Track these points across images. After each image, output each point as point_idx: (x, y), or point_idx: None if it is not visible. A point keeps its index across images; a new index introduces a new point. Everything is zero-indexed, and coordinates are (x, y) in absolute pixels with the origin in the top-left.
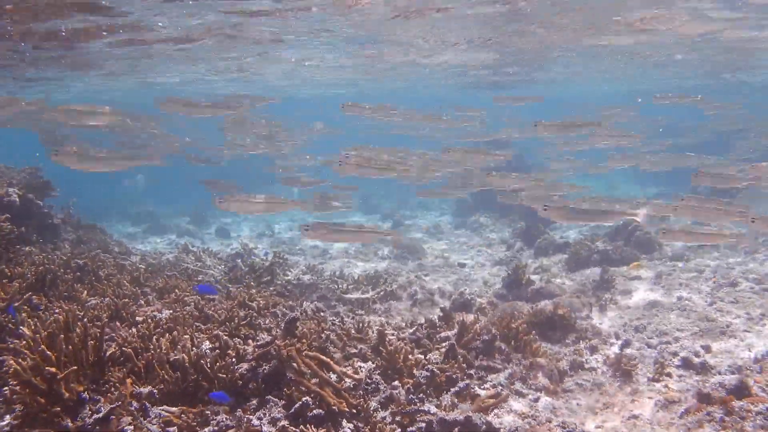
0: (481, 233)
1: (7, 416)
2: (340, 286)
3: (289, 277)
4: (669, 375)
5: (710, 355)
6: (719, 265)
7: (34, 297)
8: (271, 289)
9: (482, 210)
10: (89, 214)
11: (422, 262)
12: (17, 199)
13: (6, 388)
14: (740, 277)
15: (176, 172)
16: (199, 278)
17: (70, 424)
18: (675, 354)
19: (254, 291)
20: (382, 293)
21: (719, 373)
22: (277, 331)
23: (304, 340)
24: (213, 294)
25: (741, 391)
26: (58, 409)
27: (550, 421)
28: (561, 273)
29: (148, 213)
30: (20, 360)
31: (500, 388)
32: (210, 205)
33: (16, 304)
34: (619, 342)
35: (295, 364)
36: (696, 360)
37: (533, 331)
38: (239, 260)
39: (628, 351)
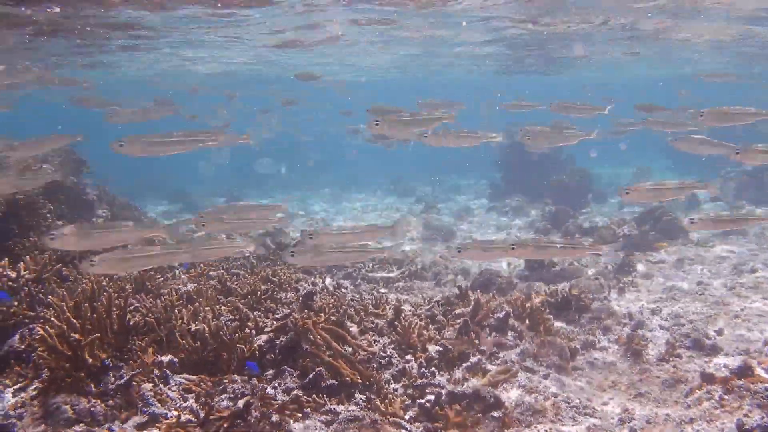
0: (512, 216)
1: (35, 381)
2: (366, 265)
3: None
4: (679, 356)
5: (722, 338)
6: (742, 251)
7: (63, 269)
8: (298, 266)
9: (514, 194)
10: (125, 191)
11: (450, 243)
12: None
13: (34, 354)
14: (760, 264)
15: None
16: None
17: (93, 388)
18: (686, 336)
19: (280, 267)
20: (406, 273)
21: (726, 355)
22: (296, 305)
23: (321, 314)
24: None
25: (744, 372)
26: (83, 374)
27: (556, 396)
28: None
29: (183, 192)
30: (47, 327)
31: (511, 364)
32: (245, 184)
33: (46, 275)
34: (633, 322)
35: (311, 336)
36: (707, 342)
37: (547, 311)
38: (267, 238)
39: (640, 332)
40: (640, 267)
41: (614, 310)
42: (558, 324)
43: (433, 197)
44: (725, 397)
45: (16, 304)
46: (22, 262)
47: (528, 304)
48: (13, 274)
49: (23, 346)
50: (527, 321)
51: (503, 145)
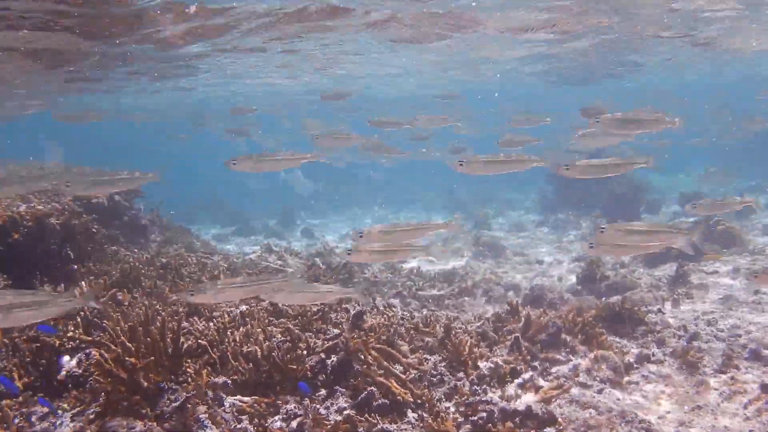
0: (563, 230)
1: (93, 405)
2: (416, 283)
3: (366, 275)
4: (737, 367)
5: None
6: None
7: (118, 293)
8: (349, 286)
9: (566, 207)
10: (179, 215)
11: (501, 259)
12: (105, 201)
13: (91, 378)
14: None
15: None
16: (278, 276)
17: (149, 411)
18: (744, 346)
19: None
20: (456, 290)
21: None
22: (346, 325)
23: (371, 334)
24: None
25: None
26: (138, 397)
27: (610, 411)
28: (639, 268)
29: (237, 214)
30: (103, 352)
31: (563, 379)
32: (297, 206)
33: (103, 299)
34: (688, 334)
35: (361, 356)
36: (765, 352)
37: (599, 324)
38: (317, 259)
39: (696, 343)
40: (695, 277)
41: (668, 323)
42: (611, 338)
43: (485, 212)
44: None
45: (72, 329)
46: (78, 287)
47: (580, 319)
48: (93, 292)
49: (80, 371)
50: (579, 335)
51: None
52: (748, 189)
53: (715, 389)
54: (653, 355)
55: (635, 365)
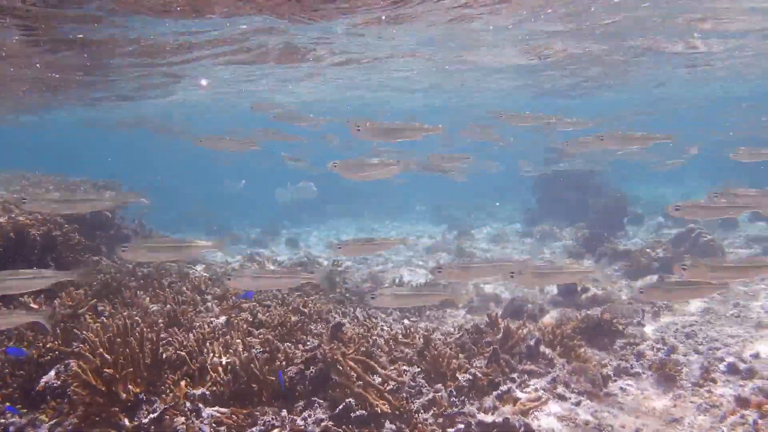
0: (546, 241)
1: (71, 416)
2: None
3: (348, 285)
4: (713, 380)
5: (758, 361)
6: None
7: (99, 304)
8: (330, 296)
9: (550, 218)
10: (164, 225)
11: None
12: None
13: (69, 389)
14: None
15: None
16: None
17: (127, 423)
18: (721, 360)
19: (312, 298)
20: (438, 301)
21: (762, 379)
22: (325, 336)
23: (350, 344)
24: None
25: None
26: (116, 409)
27: (587, 424)
28: (620, 280)
29: (221, 225)
30: (81, 363)
31: (542, 392)
32: (281, 216)
33: (81, 311)
34: (667, 347)
35: (340, 367)
36: (742, 366)
37: (579, 336)
38: (299, 268)
39: (674, 356)
40: None
41: (648, 335)
42: (590, 350)
43: (468, 223)
44: (759, 421)
45: (52, 340)
46: (58, 298)
47: (559, 331)
48: (50, 311)
49: (59, 382)
50: (558, 347)
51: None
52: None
53: (692, 402)
54: (631, 367)
55: (613, 378)
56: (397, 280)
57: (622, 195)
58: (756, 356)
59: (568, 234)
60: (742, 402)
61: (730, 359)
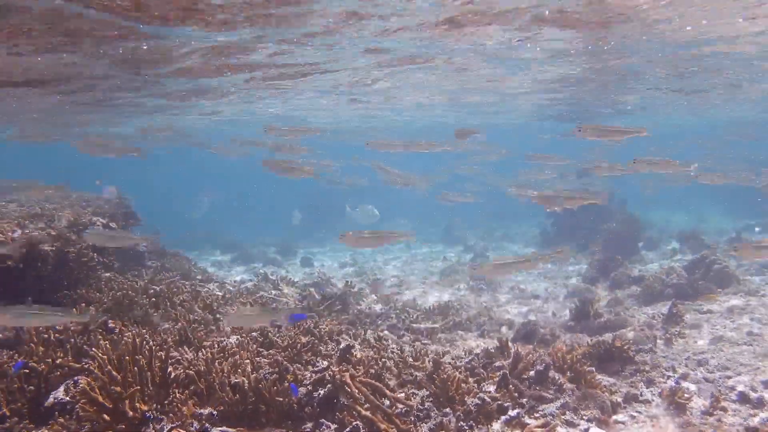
0: (560, 265)
1: None
2: (410, 315)
3: (361, 307)
4: (724, 409)
5: None
6: None
7: (110, 321)
8: (343, 317)
9: (565, 241)
10: (177, 242)
11: (497, 293)
12: (100, 228)
13: (77, 405)
14: None
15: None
16: (272, 306)
17: None
18: (732, 388)
19: (324, 319)
20: (450, 324)
21: None
22: (335, 358)
23: (360, 367)
24: (302, 319)
25: None
26: (123, 426)
27: None
28: (633, 306)
29: (237, 242)
30: (89, 379)
31: (550, 417)
32: (297, 235)
33: (92, 327)
34: (677, 375)
35: (348, 389)
36: (753, 395)
37: (589, 362)
38: (311, 289)
39: (684, 384)
40: (689, 317)
41: (659, 362)
42: (600, 376)
43: (483, 246)
44: None
45: (62, 355)
46: (69, 315)
47: (569, 356)
48: (60, 326)
49: (68, 398)
50: (568, 373)
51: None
52: (745, 228)
53: (701, 431)
54: (641, 394)
55: (623, 405)
56: (410, 303)
57: (636, 219)
58: (767, 385)
59: (583, 258)
60: (750, 431)
61: (741, 388)
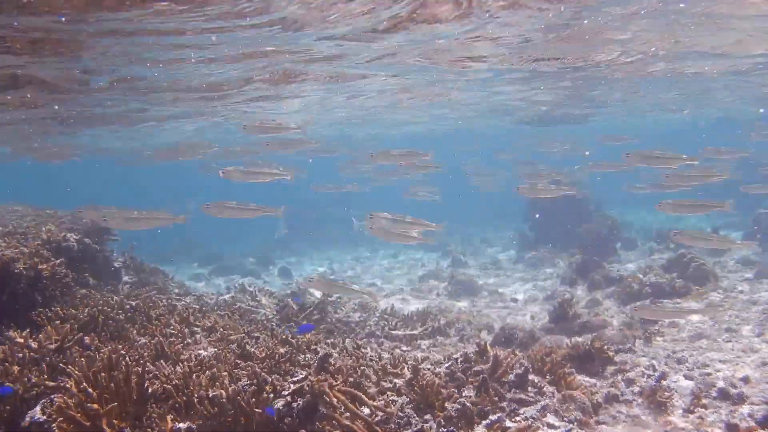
0: (539, 268)
1: None
2: (389, 323)
3: (339, 315)
4: (704, 406)
5: (749, 386)
6: None
7: (85, 337)
8: (321, 326)
9: (543, 244)
10: (156, 255)
11: (476, 297)
12: (75, 244)
13: (54, 424)
14: None
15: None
16: (251, 317)
17: None
18: (712, 385)
19: None
20: (429, 329)
21: (752, 404)
22: (314, 368)
23: (338, 376)
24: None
25: None
26: None
27: None
28: (612, 306)
29: (214, 254)
30: (66, 398)
31: (531, 420)
32: (275, 245)
33: (68, 345)
34: (657, 374)
35: (327, 399)
36: (733, 391)
37: (568, 364)
38: (290, 300)
39: (665, 383)
40: None
41: (638, 361)
42: (580, 377)
43: (461, 251)
44: None
45: (37, 375)
46: (43, 332)
47: (548, 359)
48: (35, 345)
49: (44, 417)
50: (548, 376)
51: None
52: (726, 225)
53: (682, 429)
54: (622, 394)
55: (604, 405)
56: (389, 310)
57: (614, 220)
58: (746, 381)
59: (561, 260)
60: (732, 428)
61: (721, 384)
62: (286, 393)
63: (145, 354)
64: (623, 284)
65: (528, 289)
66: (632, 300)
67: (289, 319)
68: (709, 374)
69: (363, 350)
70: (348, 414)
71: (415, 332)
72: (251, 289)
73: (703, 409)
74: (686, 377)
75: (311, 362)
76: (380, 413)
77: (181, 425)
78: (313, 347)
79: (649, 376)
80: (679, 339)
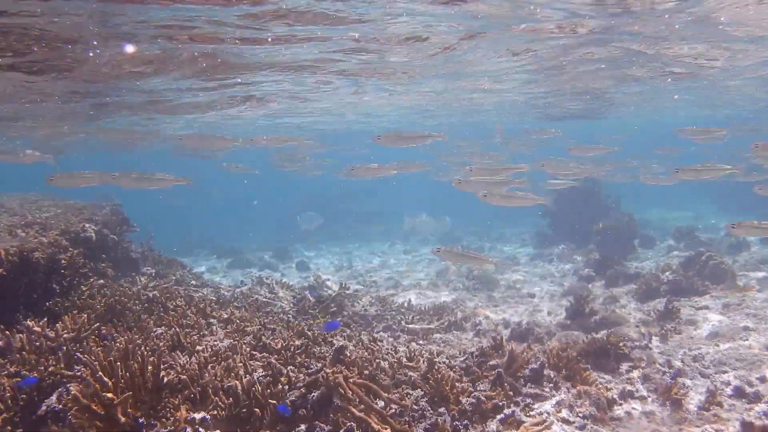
0: (557, 264)
1: None
2: (406, 317)
3: (356, 308)
4: (720, 404)
5: (765, 385)
6: None
7: (102, 327)
8: (338, 319)
9: (561, 241)
10: (174, 248)
11: (493, 293)
12: (93, 235)
13: (69, 413)
14: None
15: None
16: (267, 309)
17: None
18: (728, 383)
19: (317, 321)
20: (446, 324)
21: (767, 403)
22: (329, 360)
23: (353, 368)
24: (336, 328)
25: None
26: None
27: None
28: (629, 303)
29: (233, 247)
30: (82, 387)
31: (546, 415)
32: (293, 239)
33: (84, 334)
34: (673, 371)
35: (342, 391)
36: (749, 389)
37: (584, 360)
38: (306, 292)
39: (680, 380)
40: (684, 313)
41: (654, 358)
42: (595, 373)
43: (479, 247)
44: None
45: (54, 363)
46: (60, 322)
47: (564, 354)
48: (52, 334)
49: (60, 406)
50: (563, 371)
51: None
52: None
53: (698, 427)
54: (637, 391)
55: (619, 401)
56: (405, 304)
57: (632, 217)
58: (763, 379)
59: (579, 256)
60: (746, 426)
61: (737, 383)
62: (301, 384)
63: (161, 344)
64: (641, 281)
65: (545, 285)
66: (650, 298)
67: (305, 311)
68: (725, 372)
69: (378, 343)
70: (362, 406)
71: (431, 326)
72: (268, 282)
73: (718, 407)
74: (702, 375)
75: (326, 354)
76: (395, 406)
77: (196, 415)
78: (329, 339)
79: (664, 373)
80: (696, 337)
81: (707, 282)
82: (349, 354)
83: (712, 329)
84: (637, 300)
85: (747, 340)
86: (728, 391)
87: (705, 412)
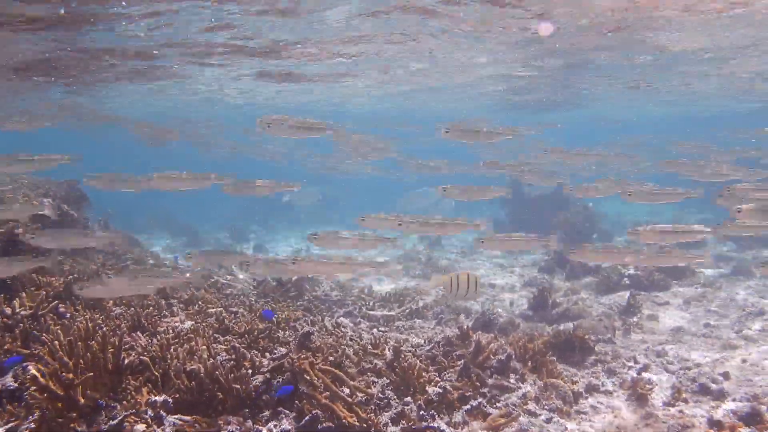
0: (517, 255)
1: (26, 421)
2: (367, 302)
3: (317, 293)
4: (685, 400)
5: (729, 381)
6: (750, 293)
7: (60, 305)
8: (298, 303)
9: (520, 232)
10: (128, 226)
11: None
12: (51, 212)
13: (26, 393)
14: None
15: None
16: (227, 291)
17: (85, 429)
18: (693, 380)
19: (280, 305)
20: (407, 311)
21: (734, 400)
22: (293, 345)
23: (319, 354)
24: (270, 317)
25: (753, 418)
26: (75, 414)
27: None
28: (590, 296)
29: (187, 227)
30: (40, 366)
31: (512, 407)
32: (249, 220)
33: (42, 312)
34: (638, 366)
35: (307, 377)
36: (713, 386)
37: (550, 352)
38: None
39: (645, 375)
40: (646, 308)
41: (619, 353)
42: (561, 366)
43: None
44: None
45: (10, 341)
46: (17, 299)
47: (530, 346)
48: (9, 311)
49: (16, 384)
50: (530, 363)
51: (508, 184)
52: (703, 221)
53: (664, 422)
54: (603, 385)
55: (585, 395)
56: (366, 290)
57: (591, 211)
58: (726, 377)
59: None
60: (714, 424)
61: (702, 379)
62: (265, 369)
63: (122, 324)
64: (601, 274)
65: (506, 276)
66: (610, 290)
67: (266, 294)
68: (689, 368)
69: (343, 329)
70: (328, 393)
71: (392, 313)
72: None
73: (683, 403)
74: (666, 371)
75: (290, 339)
76: (360, 394)
77: (158, 398)
78: (292, 324)
79: (630, 367)
80: (658, 332)
81: (667, 278)
82: (314, 340)
83: (674, 325)
84: (597, 293)
85: (709, 336)
86: (693, 387)
87: (671, 408)
